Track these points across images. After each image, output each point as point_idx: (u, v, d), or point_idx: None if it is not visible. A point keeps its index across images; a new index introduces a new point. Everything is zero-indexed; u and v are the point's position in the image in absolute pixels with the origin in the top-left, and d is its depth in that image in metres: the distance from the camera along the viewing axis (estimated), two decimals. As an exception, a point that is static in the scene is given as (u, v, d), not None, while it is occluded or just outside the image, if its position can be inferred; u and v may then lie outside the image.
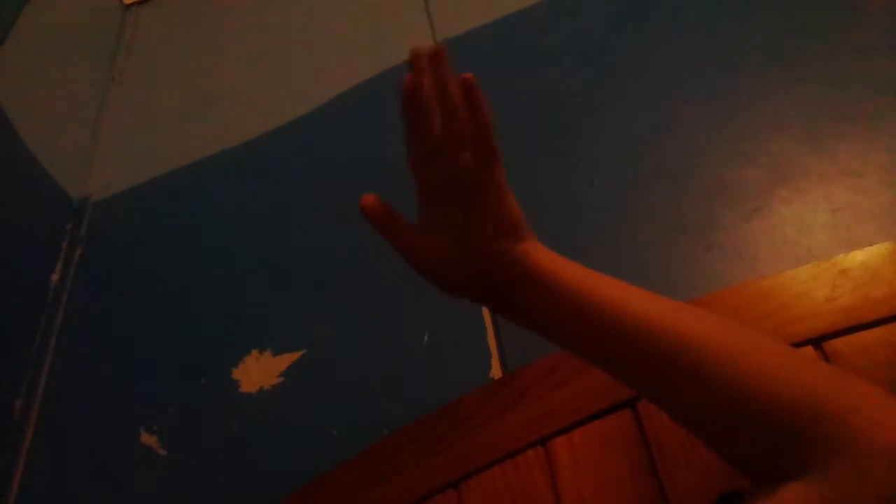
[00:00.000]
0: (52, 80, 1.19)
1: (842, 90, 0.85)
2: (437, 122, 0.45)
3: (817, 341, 0.64)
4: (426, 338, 0.82)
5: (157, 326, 0.95)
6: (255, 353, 0.88)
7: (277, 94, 1.18)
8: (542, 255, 0.48)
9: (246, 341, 0.89)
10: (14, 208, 1.02)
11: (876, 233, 0.72)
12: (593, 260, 0.82)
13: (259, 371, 0.86)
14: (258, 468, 0.79)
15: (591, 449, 0.64)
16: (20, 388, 0.92)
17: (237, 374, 0.87)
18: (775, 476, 0.38)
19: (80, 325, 0.99)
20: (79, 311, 1.00)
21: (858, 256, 0.67)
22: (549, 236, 0.88)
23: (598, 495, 0.62)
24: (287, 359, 0.86)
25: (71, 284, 1.03)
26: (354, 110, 1.10)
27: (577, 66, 1.01)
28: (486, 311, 0.82)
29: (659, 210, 0.82)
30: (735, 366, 0.40)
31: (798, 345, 0.64)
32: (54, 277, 1.03)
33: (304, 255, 0.96)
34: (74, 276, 1.04)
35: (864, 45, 0.87)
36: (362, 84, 1.12)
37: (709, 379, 0.40)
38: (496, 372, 0.77)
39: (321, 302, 0.90)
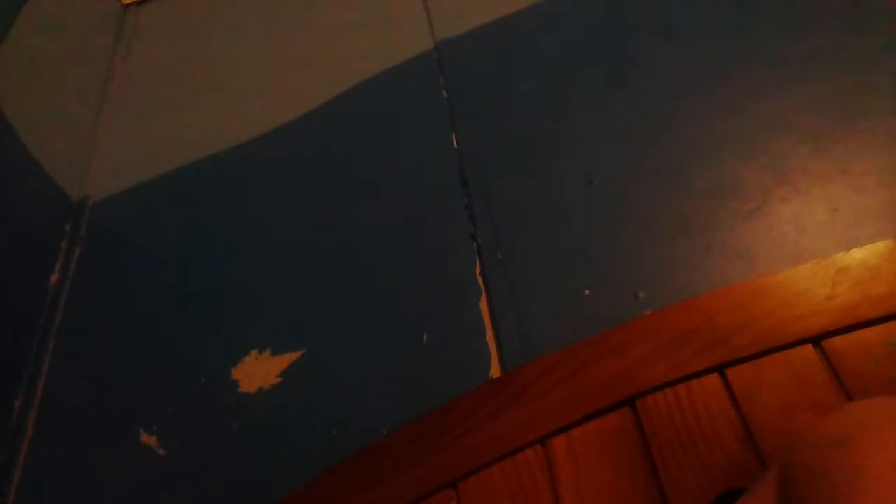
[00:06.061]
0: (52, 80, 1.19)
1: (841, 91, 0.85)
2: None
3: (817, 340, 0.64)
4: (426, 338, 0.82)
5: (157, 326, 0.95)
6: (254, 353, 0.88)
7: (277, 94, 1.18)
8: None
9: (246, 341, 0.89)
10: (13, 208, 1.01)
11: (875, 232, 0.72)
12: (594, 260, 0.83)
13: (259, 371, 0.86)
14: (258, 468, 0.79)
15: (590, 448, 0.64)
16: (20, 388, 0.92)
17: (237, 374, 0.87)
18: None
19: (79, 325, 0.99)
20: (78, 311, 1.00)
21: (858, 255, 0.68)
22: (550, 236, 0.88)
23: (597, 494, 0.62)
24: (287, 359, 0.86)
25: (70, 284, 1.03)
26: (354, 110, 1.10)
27: (577, 66, 1.01)
28: (485, 311, 0.82)
29: (659, 210, 0.83)
30: None
31: (798, 343, 0.64)
32: (54, 277, 1.03)
33: (304, 255, 0.96)
34: (74, 276, 1.04)
35: (864, 45, 0.87)
36: (362, 84, 1.12)
37: None
38: (496, 371, 0.77)
39: (321, 302, 0.90)
